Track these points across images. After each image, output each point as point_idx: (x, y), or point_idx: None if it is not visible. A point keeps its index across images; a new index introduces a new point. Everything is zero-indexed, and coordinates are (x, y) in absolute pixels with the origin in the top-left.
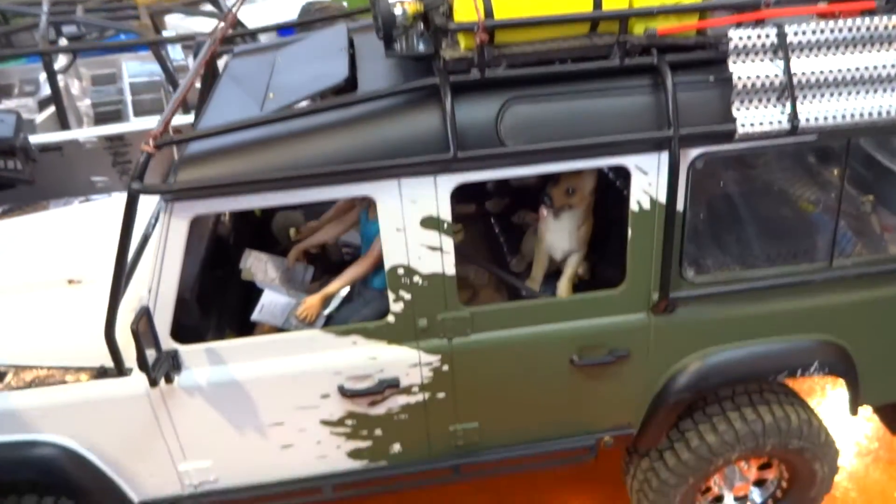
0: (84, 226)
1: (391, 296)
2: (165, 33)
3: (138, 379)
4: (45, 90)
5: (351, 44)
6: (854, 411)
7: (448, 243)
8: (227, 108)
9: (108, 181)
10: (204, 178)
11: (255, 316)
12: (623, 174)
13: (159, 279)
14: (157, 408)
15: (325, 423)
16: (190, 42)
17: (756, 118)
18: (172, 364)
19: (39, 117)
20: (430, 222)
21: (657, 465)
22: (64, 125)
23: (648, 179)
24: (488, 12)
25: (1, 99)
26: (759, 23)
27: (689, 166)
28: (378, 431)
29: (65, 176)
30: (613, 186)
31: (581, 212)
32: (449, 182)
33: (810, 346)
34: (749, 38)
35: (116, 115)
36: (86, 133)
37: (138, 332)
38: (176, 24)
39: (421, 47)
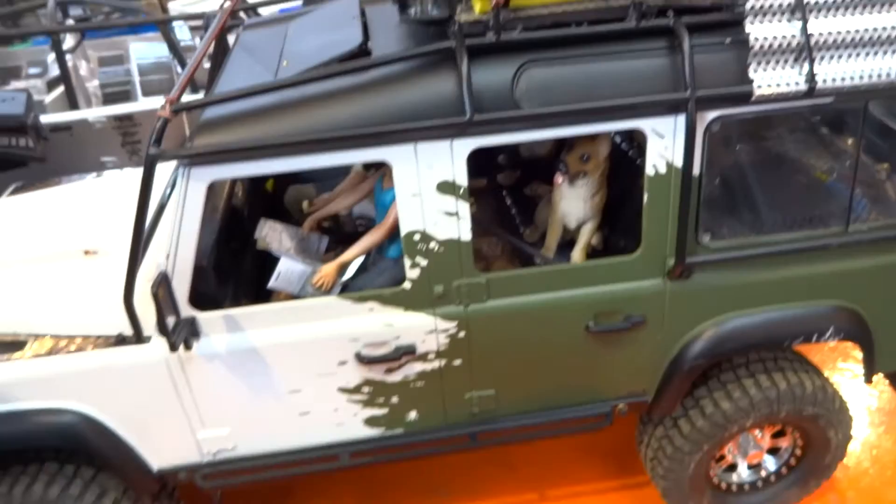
0: (98, 198)
1: (407, 262)
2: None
3: (157, 346)
4: (53, 71)
5: (363, 13)
6: (868, 378)
7: (464, 209)
8: (241, 77)
9: (117, 161)
10: (220, 143)
11: (271, 283)
12: (637, 143)
13: (177, 245)
14: (176, 375)
15: (343, 390)
16: (198, 22)
17: (773, 79)
18: (191, 331)
19: (48, 98)
20: (447, 187)
21: (671, 433)
22: (73, 105)
23: (665, 143)
24: None
25: (9, 80)
26: None
27: (706, 130)
28: (394, 399)
29: (75, 156)
30: (626, 157)
31: (595, 179)
32: (465, 146)
33: (826, 311)
34: None
35: (125, 96)
36: (95, 113)
37: (158, 296)
38: (180, 8)
39: (435, 12)
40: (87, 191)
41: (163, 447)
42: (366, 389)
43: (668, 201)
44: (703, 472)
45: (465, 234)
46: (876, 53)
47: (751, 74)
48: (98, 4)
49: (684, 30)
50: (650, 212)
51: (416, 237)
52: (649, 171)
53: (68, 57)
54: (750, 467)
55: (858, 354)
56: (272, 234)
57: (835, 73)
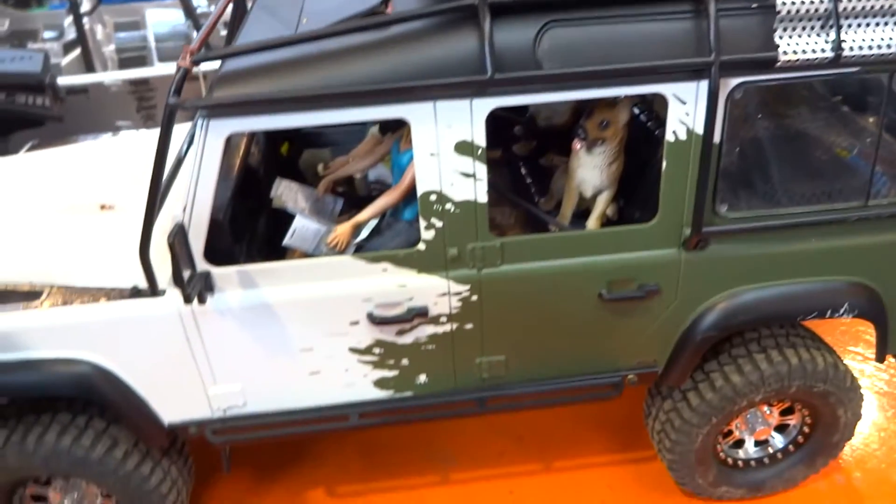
0: (115, 155)
1: (422, 223)
2: None
3: (171, 299)
4: (70, 34)
5: None
6: (881, 358)
7: (482, 170)
8: (260, 34)
9: (132, 125)
10: (239, 95)
11: (286, 241)
12: (656, 114)
13: (194, 198)
14: (189, 329)
15: (354, 350)
16: None
17: (799, 46)
18: (205, 285)
19: (65, 60)
20: (465, 147)
21: (680, 406)
22: (89, 68)
23: (686, 109)
24: None
25: (26, 43)
26: None
27: (728, 96)
28: (405, 361)
29: (91, 118)
30: (645, 128)
31: (613, 147)
32: (485, 106)
33: (841, 287)
34: None
35: (140, 62)
36: (111, 76)
37: (174, 247)
38: None
39: None
40: (103, 148)
41: (174, 401)
42: (377, 350)
43: (686, 169)
44: (709, 447)
45: (482, 196)
46: None
47: (776, 40)
48: None
49: None
50: (668, 179)
51: (433, 198)
52: (669, 137)
53: (85, 21)
54: (757, 443)
55: (871, 338)
56: (288, 193)
57: (862, 41)
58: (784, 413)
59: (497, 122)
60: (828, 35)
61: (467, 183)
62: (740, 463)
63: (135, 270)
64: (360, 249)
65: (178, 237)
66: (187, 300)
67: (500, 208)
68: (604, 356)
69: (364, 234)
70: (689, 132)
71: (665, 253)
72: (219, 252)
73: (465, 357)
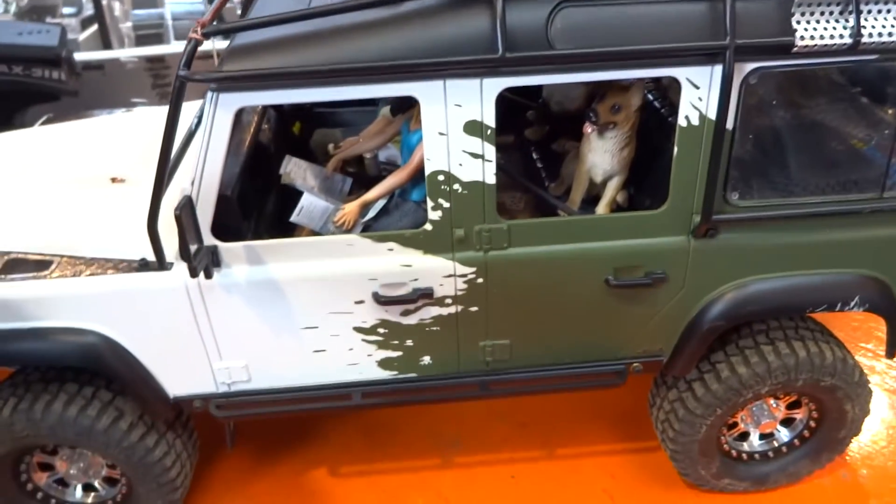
0: (128, 130)
1: (430, 203)
2: None
3: (178, 273)
4: (88, 10)
5: None
6: (891, 354)
7: (490, 151)
8: (272, 8)
9: (147, 102)
10: (249, 70)
11: (293, 217)
12: (669, 100)
13: (202, 171)
14: (195, 303)
15: (358, 329)
16: None
17: (816, 31)
18: (212, 259)
19: (82, 36)
20: (474, 127)
21: (685, 396)
22: (106, 45)
23: (699, 94)
24: None
25: (45, 18)
26: None
27: (743, 82)
28: (409, 342)
29: (106, 94)
30: (658, 114)
31: (625, 132)
32: (495, 86)
33: (852, 280)
34: None
35: (157, 39)
36: (128, 53)
37: (181, 218)
38: None
39: None
40: (116, 123)
41: (179, 375)
42: (381, 330)
43: (698, 155)
44: (713, 438)
45: (490, 177)
46: None
47: (793, 25)
48: None
49: None
50: (679, 165)
51: (441, 178)
52: (681, 122)
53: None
54: (762, 437)
55: (883, 335)
56: (297, 171)
57: (882, 27)
58: (790, 407)
59: (510, 107)
60: (847, 21)
61: (475, 164)
62: (744, 455)
63: (143, 243)
64: (367, 229)
65: (186, 210)
66: (193, 274)
67: (511, 192)
68: (609, 343)
69: (372, 213)
70: (702, 117)
71: (674, 240)
72: (226, 227)
73: (469, 340)
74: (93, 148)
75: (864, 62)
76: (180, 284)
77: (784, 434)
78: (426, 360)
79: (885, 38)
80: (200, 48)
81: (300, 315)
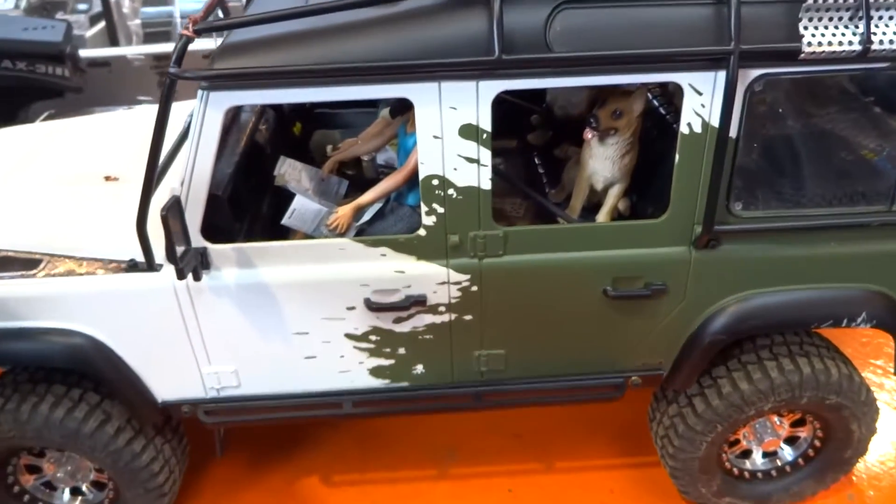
0: (126, 128)
1: (424, 208)
2: None
3: (167, 275)
4: (97, 7)
5: None
6: None
7: (486, 155)
8: (269, 7)
9: (153, 101)
10: (240, 68)
11: (285, 220)
12: (674, 106)
13: (192, 171)
14: (184, 306)
15: (350, 336)
16: None
17: (825, 37)
18: (201, 261)
19: (89, 32)
20: (469, 131)
21: (685, 411)
22: (113, 41)
23: (702, 100)
24: None
25: (55, 14)
26: None
27: (747, 89)
28: (401, 350)
29: (112, 91)
30: (662, 121)
31: (627, 139)
32: (491, 89)
33: (859, 295)
34: None
35: (165, 37)
36: (134, 50)
37: (168, 219)
38: None
39: None
40: (115, 121)
41: (168, 379)
42: (373, 338)
43: (700, 163)
44: (714, 456)
45: (486, 182)
46: None
47: (801, 30)
48: None
49: None
50: (681, 173)
51: (435, 182)
52: (683, 129)
53: None
54: (765, 455)
55: (892, 351)
56: (291, 172)
57: (893, 34)
58: (795, 425)
59: (513, 110)
60: (856, 27)
61: (471, 168)
62: (746, 474)
63: (134, 243)
64: (361, 233)
65: (173, 210)
66: (180, 276)
67: (511, 199)
68: (607, 356)
69: (367, 217)
70: (705, 125)
71: (674, 251)
72: (217, 229)
73: (463, 349)
74: (89, 145)
75: (875, 70)
76: (169, 286)
77: (788, 453)
78: (419, 369)
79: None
80: (207, 48)
81: (291, 320)
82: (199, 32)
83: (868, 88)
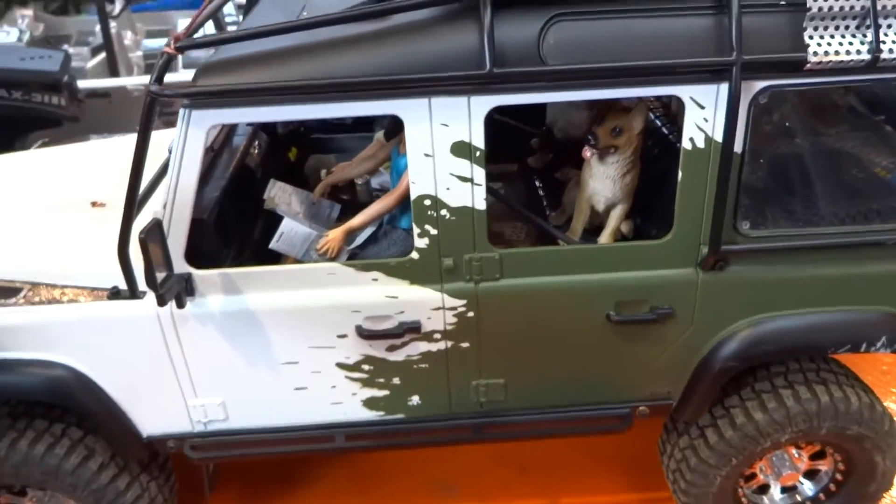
0: (115, 154)
1: (416, 230)
2: None
3: (150, 302)
4: (100, 40)
5: None
6: None
7: (480, 174)
8: (264, 22)
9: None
10: (221, 86)
11: (273, 244)
12: (676, 122)
13: (175, 193)
14: (168, 335)
15: (341, 366)
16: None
17: (831, 47)
18: (184, 287)
19: (90, 63)
20: (462, 149)
21: (697, 443)
22: (113, 72)
23: (704, 114)
24: None
25: (60, 46)
26: None
27: (752, 101)
28: (396, 380)
29: (112, 122)
30: (665, 139)
31: (627, 157)
32: (484, 104)
33: (877, 318)
34: None
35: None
36: (134, 81)
37: (147, 243)
38: None
39: None
40: (106, 147)
41: (153, 412)
42: (366, 367)
43: (704, 180)
44: (730, 491)
45: (480, 202)
46: None
47: (806, 40)
48: None
49: None
50: (684, 191)
51: (427, 202)
52: (686, 144)
53: (113, 26)
54: (784, 490)
55: None
56: (281, 195)
57: None
58: (814, 457)
59: (513, 134)
60: (864, 35)
61: (464, 188)
62: None
63: (117, 270)
64: (354, 258)
65: (153, 234)
66: (161, 302)
67: (511, 223)
68: (612, 384)
69: (359, 241)
70: (708, 140)
71: (680, 273)
72: (203, 254)
73: (460, 378)
74: (77, 172)
75: (884, 81)
76: (152, 314)
77: (808, 487)
78: (415, 400)
79: None
80: None
81: (279, 349)
82: (182, 50)
83: (881, 100)
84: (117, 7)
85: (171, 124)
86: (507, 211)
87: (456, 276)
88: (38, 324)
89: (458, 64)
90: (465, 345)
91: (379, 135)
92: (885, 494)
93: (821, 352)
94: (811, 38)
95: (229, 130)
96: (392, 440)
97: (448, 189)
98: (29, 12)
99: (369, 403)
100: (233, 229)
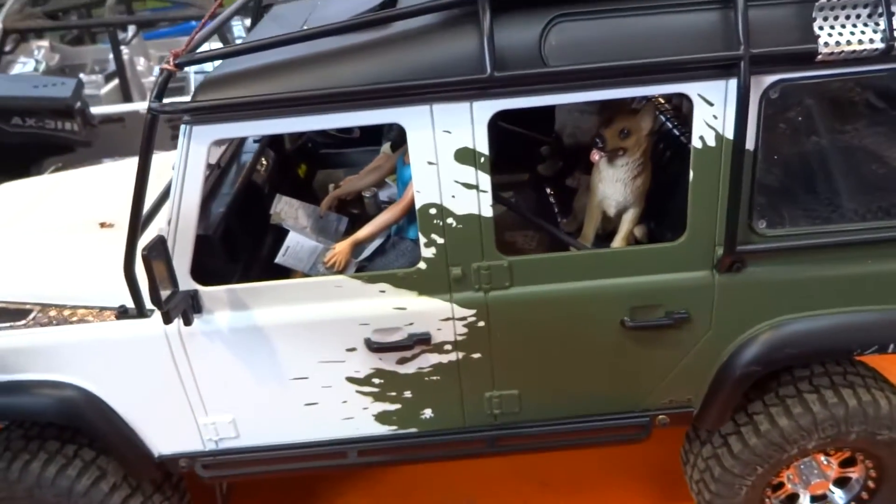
0: (125, 176)
1: (422, 240)
2: None
3: (158, 321)
4: (114, 67)
5: None
6: None
7: (485, 180)
8: (268, 35)
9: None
10: (221, 100)
11: (279, 258)
12: (686, 120)
13: (178, 210)
14: (176, 353)
15: (351, 380)
16: None
17: (843, 37)
18: (191, 305)
19: (104, 90)
20: (466, 155)
21: (720, 452)
22: (126, 98)
23: (714, 111)
24: None
25: (76, 75)
26: None
27: (762, 96)
28: (407, 393)
29: (125, 146)
30: (677, 140)
31: (637, 159)
32: (486, 109)
33: None
34: None
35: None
36: (145, 105)
37: (150, 260)
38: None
39: None
40: (116, 169)
41: (164, 431)
42: (376, 381)
43: (717, 179)
44: (757, 501)
45: (486, 209)
46: None
47: (816, 30)
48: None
49: None
50: (696, 191)
51: (433, 211)
52: (695, 143)
53: (126, 53)
54: (813, 499)
55: None
56: (288, 210)
57: None
58: (844, 464)
59: (522, 142)
60: (877, 24)
61: (469, 195)
62: None
63: (124, 289)
64: (362, 270)
65: (156, 250)
66: (166, 320)
67: (523, 231)
68: (629, 393)
69: (366, 253)
70: (719, 137)
71: (695, 276)
72: (209, 270)
73: (473, 390)
74: (88, 194)
75: None
76: (160, 332)
77: (839, 496)
78: (427, 413)
79: None
80: None
81: (289, 364)
82: (181, 66)
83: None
84: (129, 34)
85: None
86: (518, 220)
87: (465, 285)
88: (47, 345)
89: (459, 69)
90: (476, 355)
91: (386, 146)
92: None
93: (846, 354)
94: (821, 28)
95: (237, 148)
96: (406, 455)
97: (453, 197)
98: (45, 43)
99: (381, 418)
100: (241, 246)
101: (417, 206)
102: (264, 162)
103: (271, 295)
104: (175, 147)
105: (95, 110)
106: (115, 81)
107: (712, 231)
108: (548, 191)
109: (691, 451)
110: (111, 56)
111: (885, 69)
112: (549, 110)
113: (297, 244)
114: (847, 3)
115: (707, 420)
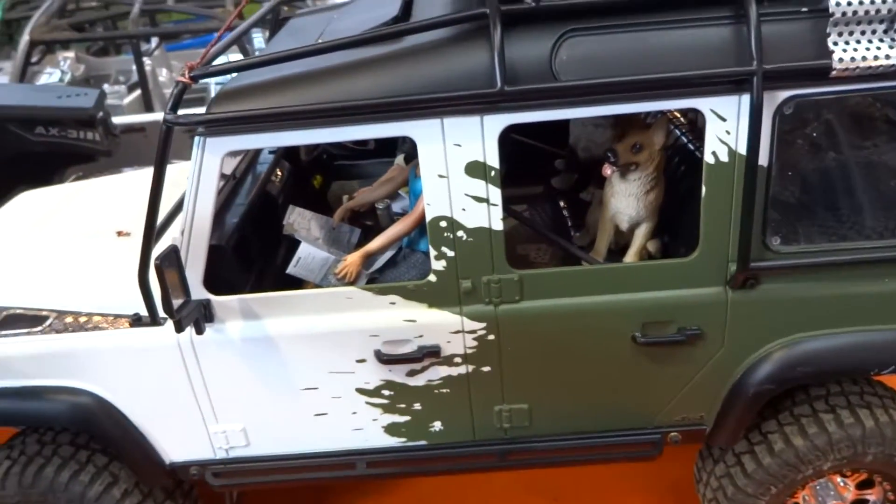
0: (143, 186)
1: (433, 252)
2: None
3: (171, 329)
4: (136, 78)
5: None
6: None
7: (496, 194)
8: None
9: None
10: (234, 112)
11: (290, 269)
12: (701, 132)
13: (192, 220)
14: (189, 361)
15: (361, 391)
16: None
17: (857, 52)
18: (203, 314)
19: (127, 100)
20: (477, 169)
21: (734, 471)
22: (148, 108)
23: (726, 126)
24: None
25: (99, 86)
26: None
27: (776, 112)
28: (417, 405)
29: (147, 155)
30: (691, 155)
31: (650, 174)
32: (497, 123)
33: None
34: None
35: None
36: None
37: (163, 269)
38: None
39: None
40: (134, 179)
41: (175, 438)
42: (386, 392)
43: (730, 195)
44: None
45: (497, 223)
46: None
47: (830, 46)
48: (182, 13)
49: None
50: (709, 206)
51: (443, 224)
52: (708, 158)
53: (148, 65)
54: None
55: None
56: (300, 221)
57: None
58: (861, 486)
59: (537, 155)
60: (893, 39)
61: (480, 208)
62: None
63: (138, 297)
64: (373, 282)
65: (169, 260)
66: (178, 328)
67: (536, 245)
68: (640, 409)
69: (378, 265)
70: (732, 153)
71: (708, 292)
72: (222, 280)
73: (483, 404)
74: (106, 203)
75: None
76: (172, 341)
77: None
78: (437, 426)
79: None
80: None
81: (299, 374)
82: (196, 79)
83: None
84: (152, 45)
85: None
86: (531, 233)
87: (475, 298)
88: (62, 351)
89: (471, 83)
90: (486, 369)
91: (399, 158)
92: None
93: (863, 373)
94: (835, 44)
95: (252, 158)
96: (415, 467)
97: (464, 210)
98: (71, 54)
99: (390, 429)
100: (254, 256)
101: (428, 218)
102: (279, 173)
103: (282, 305)
104: None
105: (117, 120)
106: (138, 92)
107: (725, 247)
108: (561, 204)
109: (704, 470)
110: (134, 67)
111: None
112: (564, 123)
113: (309, 255)
114: (862, 19)
115: (720, 438)
